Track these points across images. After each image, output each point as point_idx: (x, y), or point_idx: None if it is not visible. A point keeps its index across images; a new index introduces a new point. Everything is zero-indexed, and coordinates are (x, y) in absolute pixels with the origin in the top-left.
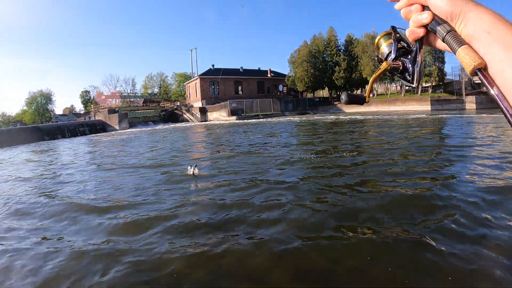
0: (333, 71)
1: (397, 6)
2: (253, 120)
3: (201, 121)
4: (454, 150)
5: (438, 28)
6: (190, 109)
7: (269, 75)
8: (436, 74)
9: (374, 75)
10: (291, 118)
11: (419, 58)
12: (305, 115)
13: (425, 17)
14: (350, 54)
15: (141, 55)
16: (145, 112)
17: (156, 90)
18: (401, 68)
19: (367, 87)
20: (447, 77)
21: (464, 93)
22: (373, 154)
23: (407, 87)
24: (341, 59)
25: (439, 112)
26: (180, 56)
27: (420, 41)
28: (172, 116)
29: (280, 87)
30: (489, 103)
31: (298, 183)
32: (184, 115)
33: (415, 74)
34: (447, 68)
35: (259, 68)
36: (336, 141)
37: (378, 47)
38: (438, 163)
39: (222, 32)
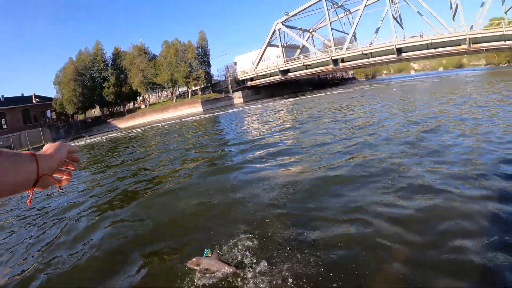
0: (102, 87)
1: None
2: None
3: None
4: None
5: None
6: None
7: (34, 101)
8: (203, 77)
9: None
10: None
11: None
12: (80, 139)
13: None
14: (118, 68)
15: None
16: None
17: None
18: None
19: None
20: (214, 78)
21: (231, 90)
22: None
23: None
24: (110, 74)
25: (212, 111)
26: None
27: None
28: None
29: (48, 113)
30: (253, 95)
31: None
32: None
33: None
34: (213, 70)
35: (23, 94)
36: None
37: None
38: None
39: None
